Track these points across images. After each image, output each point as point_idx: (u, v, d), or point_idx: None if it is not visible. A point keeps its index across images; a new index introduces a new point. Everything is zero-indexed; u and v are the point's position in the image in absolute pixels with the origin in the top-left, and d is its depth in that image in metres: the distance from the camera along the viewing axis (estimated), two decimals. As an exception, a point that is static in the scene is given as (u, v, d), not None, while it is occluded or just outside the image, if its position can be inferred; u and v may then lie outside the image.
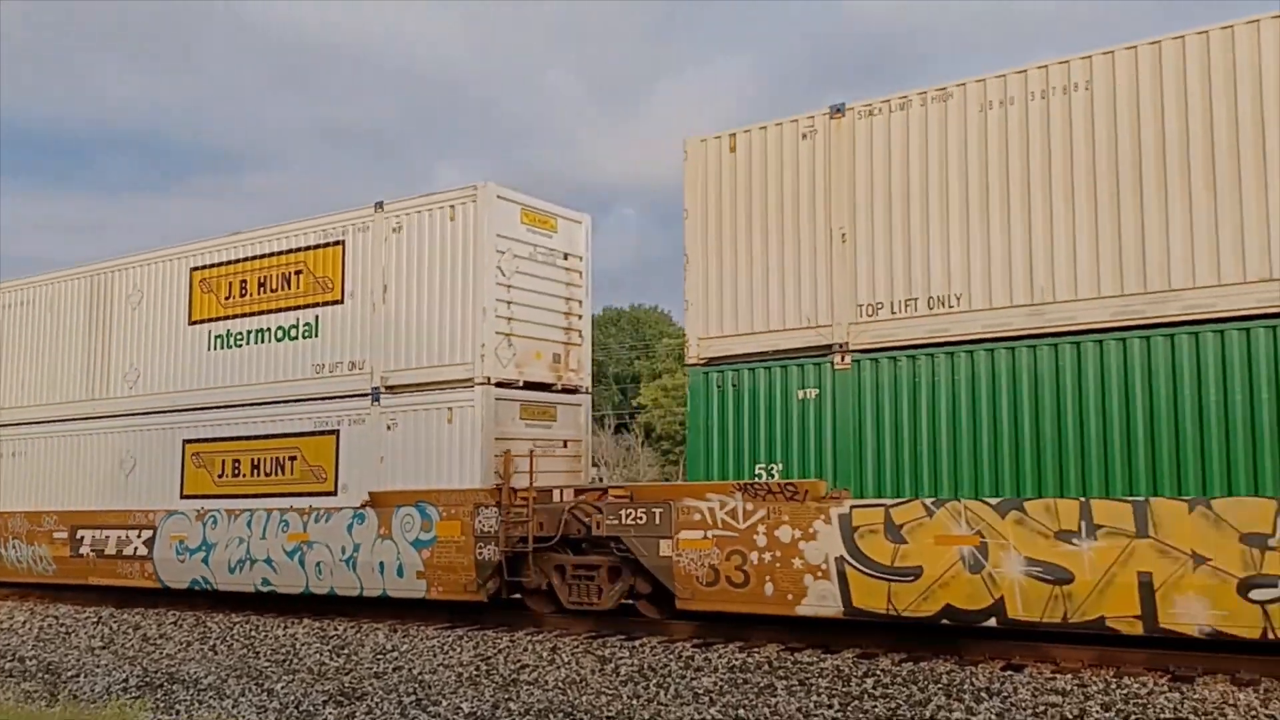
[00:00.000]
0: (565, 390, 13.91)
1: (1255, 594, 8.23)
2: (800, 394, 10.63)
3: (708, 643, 10.68)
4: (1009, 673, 8.95)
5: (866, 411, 10.33)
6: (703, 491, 10.79)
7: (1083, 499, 9.00)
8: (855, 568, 9.81)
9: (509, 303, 13.03)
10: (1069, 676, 8.74)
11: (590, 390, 14.56)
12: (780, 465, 10.68)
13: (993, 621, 9.23)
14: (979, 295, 9.90)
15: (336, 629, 12.70)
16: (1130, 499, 8.82)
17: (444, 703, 9.26)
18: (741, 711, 8.42)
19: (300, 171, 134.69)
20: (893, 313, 10.33)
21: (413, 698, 9.49)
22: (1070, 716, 7.82)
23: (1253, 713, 7.54)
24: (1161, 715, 7.66)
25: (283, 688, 10.14)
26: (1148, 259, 9.13)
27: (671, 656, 10.18)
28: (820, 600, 9.98)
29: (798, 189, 10.95)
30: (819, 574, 9.98)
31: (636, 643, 10.89)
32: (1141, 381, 9.04)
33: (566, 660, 10.40)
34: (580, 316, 14.19)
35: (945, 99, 10.17)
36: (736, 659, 9.94)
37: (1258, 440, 8.51)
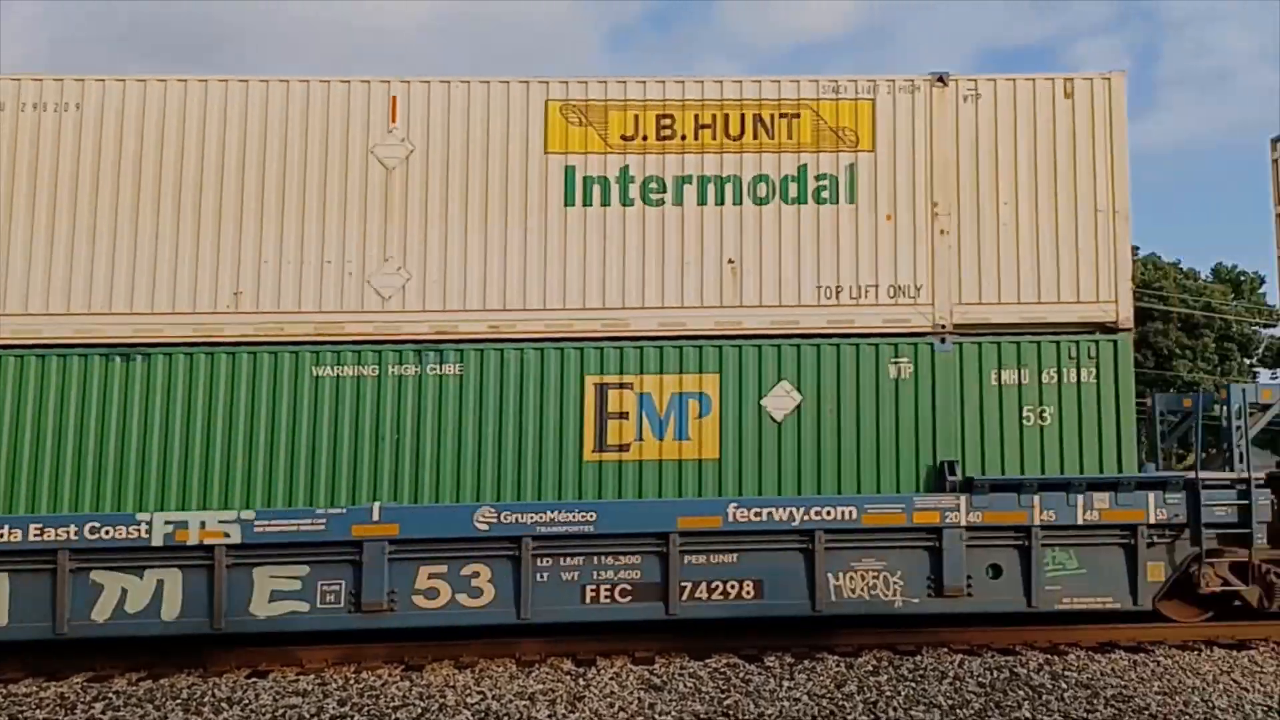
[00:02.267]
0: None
1: None
2: None
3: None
4: (254, 679, 8.79)
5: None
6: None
7: None
8: None
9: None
10: (312, 677, 8.88)
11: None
12: None
13: None
14: None
15: None
16: None
17: None
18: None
19: None
20: None
21: None
22: (308, 716, 7.88)
23: (468, 690, 8.43)
24: (392, 703, 8.14)
25: None
26: None
27: None
28: None
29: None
30: None
31: None
32: None
33: None
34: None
35: None
36: (-78, 699, 8.21)
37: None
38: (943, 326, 9.87)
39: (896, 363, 9.83)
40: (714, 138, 10.04)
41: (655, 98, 10.07)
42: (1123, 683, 8.51)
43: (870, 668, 8.95)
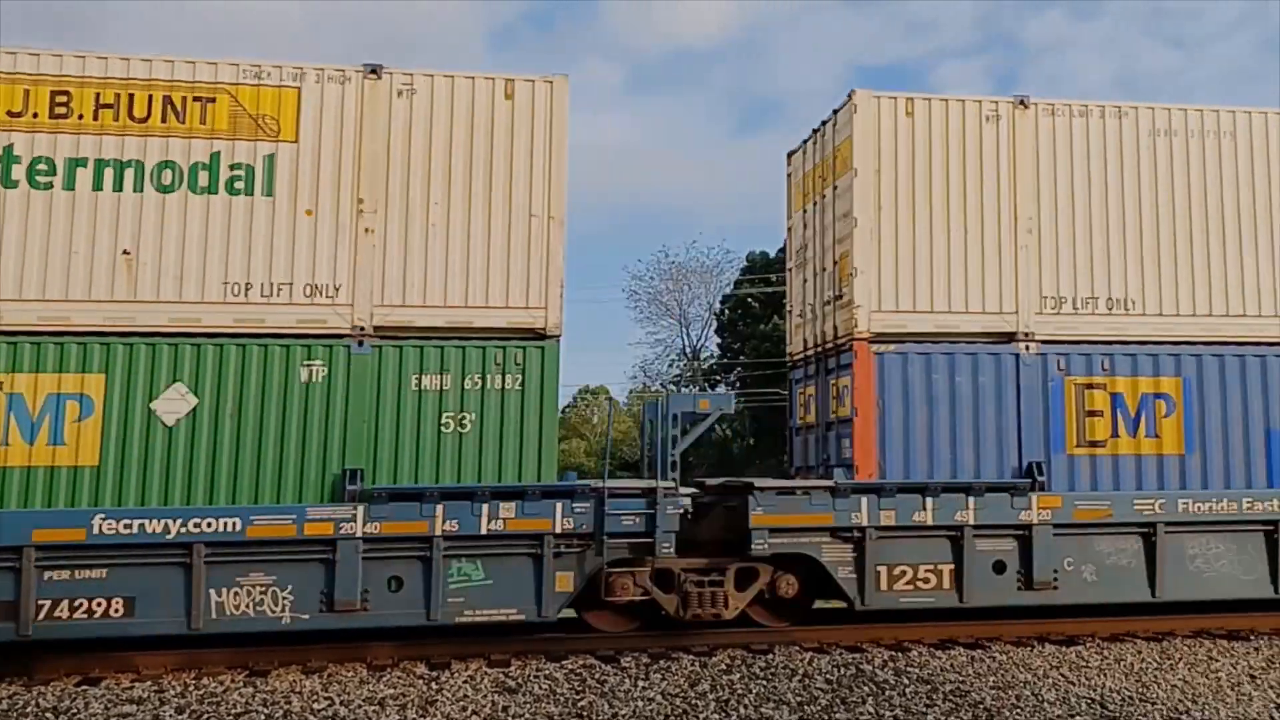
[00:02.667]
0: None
1: None
2: None
3: None
4: (84, 688, 8.26)
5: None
6: None
7: None
8: None
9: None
10: (148, 684, 8.42)
11: None
12: None
13: None
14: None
15: None
16: None
17: None
18: None
19: None
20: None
21: None
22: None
23: (314, 696, 8.14)
24: (234, 710, 7.80)
25: None
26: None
27: None
28: None
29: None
30: None
31: None
32: None
33: None
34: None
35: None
36: None
37: None
38: (362, 329, 9.45)
39: (309, 365, 9.35)
40: (116, 119, 9.26)
41: (51, 72, 9.20)
42: (960, 678, 8.82)
43: (724, 666, 9.00)
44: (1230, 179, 11.20)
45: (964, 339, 10.56)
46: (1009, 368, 10.55)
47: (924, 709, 7.99)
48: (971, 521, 10.11)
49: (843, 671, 8.91)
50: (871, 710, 7.97)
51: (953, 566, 10.15)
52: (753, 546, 9.81)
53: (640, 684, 8.51)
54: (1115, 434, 10.66)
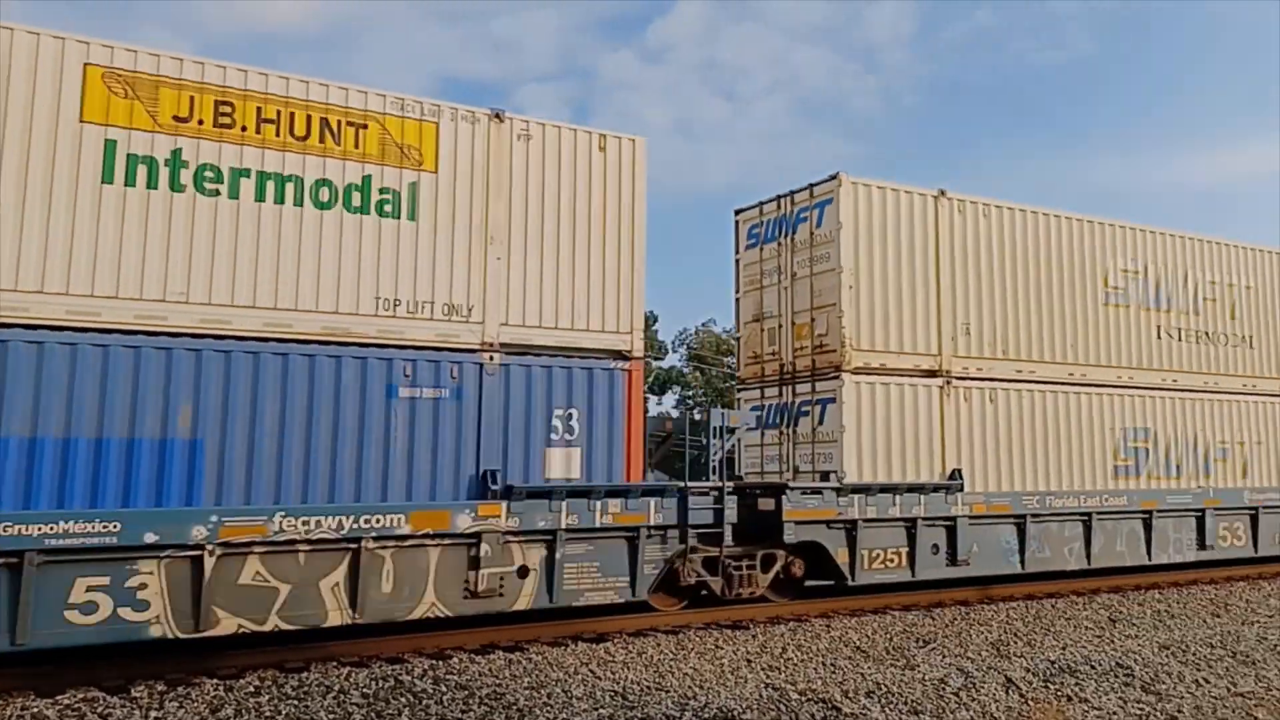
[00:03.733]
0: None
1: None
2: None
3: None
4: None
5: None
6: None
7: None
8: None
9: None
10: None
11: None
12: None
13: None
14: None
15: None
16: None
17: None
18: None
19: None
20: None
21: None
22: None
23: None
24: None
25: None
26: None
27: None
28: None
29: None
30: None
31: None
32: None
33: None
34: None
35: None
36: None
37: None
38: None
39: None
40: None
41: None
42: (498, 681, 8.88)
43: (252, 689, 8.48)
44: None
45: None
46: None
47: (460, 714, 7.98)
48: None
49: (381, 684, 8.70)
50: (408, 721, 7.86)
51: None
52: None
53: (153, 714, 7.70)
54: None
